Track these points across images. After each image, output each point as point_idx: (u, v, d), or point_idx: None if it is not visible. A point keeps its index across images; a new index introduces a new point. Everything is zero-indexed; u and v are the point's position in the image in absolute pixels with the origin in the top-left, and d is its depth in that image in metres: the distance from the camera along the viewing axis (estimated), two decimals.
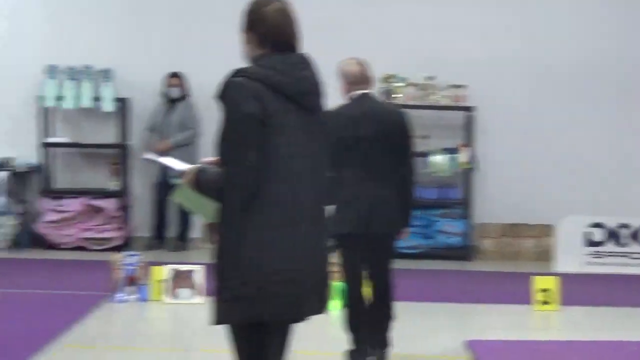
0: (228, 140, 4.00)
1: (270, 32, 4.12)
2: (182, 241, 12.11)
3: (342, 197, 6.55)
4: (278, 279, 3.96)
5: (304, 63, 4.17)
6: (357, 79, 6.51)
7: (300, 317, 4.17)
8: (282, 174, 4.05)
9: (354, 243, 6.53)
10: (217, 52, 11.84)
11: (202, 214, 4.22)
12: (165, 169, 11.54)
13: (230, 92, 4.00)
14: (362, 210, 6.49)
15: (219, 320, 4.08)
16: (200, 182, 4.06)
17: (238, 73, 4.05)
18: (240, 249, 3.97)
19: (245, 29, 4.23)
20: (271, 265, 3.95)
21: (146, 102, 12.34)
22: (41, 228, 12.07)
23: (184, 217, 12.13)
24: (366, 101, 6.62)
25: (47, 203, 12.11)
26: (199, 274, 9.11)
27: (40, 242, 12.11)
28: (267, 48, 4.12)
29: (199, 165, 4.20)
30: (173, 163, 4.49)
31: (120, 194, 12.25)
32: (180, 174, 4.16)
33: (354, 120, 6.46)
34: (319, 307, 4.21)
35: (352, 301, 6.70)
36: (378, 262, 6.76)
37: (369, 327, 6.68)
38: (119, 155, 12.36)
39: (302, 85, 4.13)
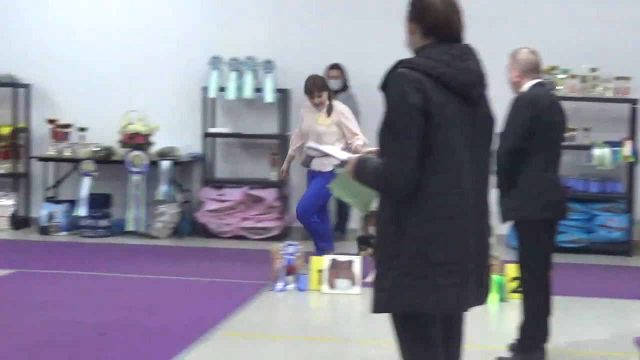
0: (389, 131, 3.97)
1: (435, 23, 4.05)
2: (340, 232, 12.05)
3: (536, 181, 6.53)
4: (440, 270, 3.92)
5: (469, 54, 4.10)
6: (533, 67, 6.43)
7: (461, 309, 4.13)
8: (444, 166, 3.98)
9: (551, 229, 6.50)
10: (376, 43, 11.85)
11: (358, 204, 4.29)
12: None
13: (393, 83, 3.96)
14: (561, 195, 6.49)
15: (379, 309, 4.06)
16: (360, 171, 4.05)
17: (401, 64, 4.00)
18: (402, 240, 3.93)
19: (409, 18, 4.15)
20: (433, 257, 3.91)
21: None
22: (202, 217, 12.22)
23: (343, 208, 12.18)
24: (545, 89, 6.60)
25: (208, 192, 12.26)
26: (357, 264, 9.08)
27: (201, 231, 12.31)
28: (432, 39, 4.05)
29: (360, 154, 4.18)
30: (336, 152, 4.48)
31: (279, 185, 12.28)
32: (342, 163, 4.19)
33: (549, 106, 6.40)
34: (480, 298, 4.15)
35: (542, 290, 6.52)
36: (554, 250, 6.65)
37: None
38: (278, 146, 12.44)
39: (466, 77, 4.05)
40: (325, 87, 10.29)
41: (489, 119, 4.24)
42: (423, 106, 3.88)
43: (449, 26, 4.09)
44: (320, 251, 9.78)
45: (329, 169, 9.63)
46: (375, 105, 11.02)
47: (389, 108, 3.97)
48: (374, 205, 4.18)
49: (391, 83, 3.97)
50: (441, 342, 4.18)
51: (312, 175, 10.28)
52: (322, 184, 9.23)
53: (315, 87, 9.93)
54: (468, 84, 4.06)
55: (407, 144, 3.88)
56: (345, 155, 4.27)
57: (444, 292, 3.96)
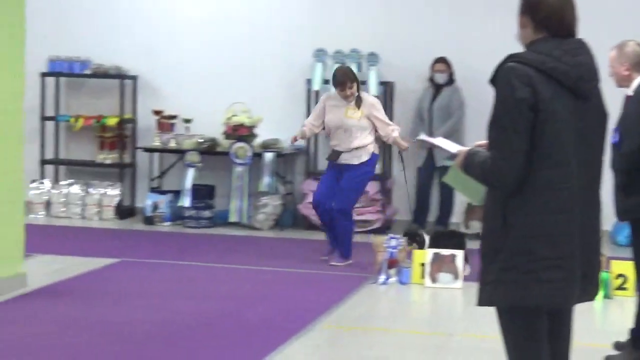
0: (497, 125, 3.94)
1: (548, 17, 4.00)
2: (442, 225, 12.00)
3: None
4: (544, 265, 3.90)
5: (581, 49, 4.02)
6: None
7: (565, 304, 4.11)
8: (552, 161, 3.95)
9: None
10: (481, 37, 11.88)
11: (471, 196, 4.27)
12: (432, 154, 11.86)
13: (502, 77, 3.94)
14: None
15: (483, 303, 4.07)
16: (469, 164, 4.05)
17: (511, 58, 3.98)
18: (507, 233, 3.92)
19: (521, 12, 4.10)
20: (539, 251, 3.89)
21: (409, 86, 12.32)
22: (303, 209, 12.27)
23: (445, 202, 12.14)
24: None
25: (310, 184, 12.19)
26: (460, 258, 9.06)
27: (302, 223, 12.38)
28: (543, 33, 4.01)
29: (470, 148, 4.15)
30: (446, 145, 4.45)
31: (382, 177, 12.29)
32: (453, 156, 4.19)
33: None
34: (588, 295, 4.09)
35: None
36: None
37: None
38: (382, 139, 12.34)
39: (577, 72, 3.97)
40: (356, 78, 10.02)
41: (601, 115, 4.18)
42: (532, 101, 3.88)
43: (562, 21, 4.05)
44: (342, 257, 9.85)
45: (361, 161, 9.70)
46: (480, 99, 11.03)
47: (498, 102, 3.96)
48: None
49: (500, 77, 3.95)
50: (547, 338, 4.14)
51: (336, 167, 10.01)
52: (356, 177, 9.67)
53: (348, 78, 9.63)
54: (579, 79, 3.99)
55: (514, 138, 3.86)
56: (455, 148, 4.28)
57: (548, 286, 3.94)
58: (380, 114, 9.96)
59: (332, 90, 10.04)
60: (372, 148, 10.01)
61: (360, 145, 9.78)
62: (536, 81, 3.91)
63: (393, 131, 9.74)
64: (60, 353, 6.61)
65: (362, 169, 9.86)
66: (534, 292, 3.91)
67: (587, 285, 4.04)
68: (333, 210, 9.71)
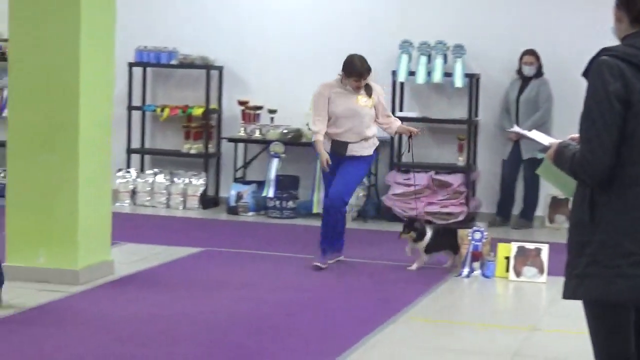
0: (587, 118, 3.85)
1: (636, 13, 3.89)
2: (526, 219, 12.06)
3: None
4: (631, 261, 3.80)
5: None
6: None
7: None
8: (636, 166, 3.86)
9: None
10: (570, 29, 11.79)
11: (563, 189, 4.23)
12: (519, 147, 11.83)
13: (594, 70, 3.84)
14: None
15: (567, 296, 3.99)
16: (560, 157, 4.00)
17: (605, 51, 3.88)
18: (594, 228, 3.84)
19: (617, 5, 4.01)
20: (625, 247, 3.80)
21: (495, 78, 12.30)
22: (387, 200, 12.37)
23: (530, 195, 12.11)
24: None
25: (394, 176, 12.38)
26: (545, 252, 9.05)
27: (386, 214, 12.42)
28: (639, 27, 3.91)
29: (562, 141, 4.09)
30: (539, 137, 4.40)
31: (466, 170, 12.36)
32: (545, 149, 4.16)
33: None
34: None
35: None
36: None
37: None
38: (466, 131, 12.42)
39: None
40: (370, 68, 9.52)
41: None
42: (623, 95, 3.80)
43: None
44: (337, 252, 9.59)
45: (370, 152, 9.42)
46: (569, 93, 11.00)
47: (589, 95, 3.87)
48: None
49: (593, 70, 3.87)
50: (634, 334, 4.04)
51: (341, 159, 9.33)
52: (360, 167, 9.30)
53: (365, 69, 9.14)
54: None
55: (604, 132, 3.79)
56: (547, 141, 4.24)
57: (634, 282, 3.85)
58: (384, 102, 9.69)
59: (333, 78, 9.45)
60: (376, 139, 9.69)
61: (371, 135, 9.44)
62: (629, 75, 3.83)
63: (395, 120, 9.60)
64: (148, 341, 6.76)
65: (369, 159, 9.68)
66: (619, 287, 3.84)
67: None
68: (330, 200, 9.37)
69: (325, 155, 8.73)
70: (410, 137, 9.36)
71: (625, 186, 3.86)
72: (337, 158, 9.16)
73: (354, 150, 9.18)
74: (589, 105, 3.85)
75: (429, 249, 8.21)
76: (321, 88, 9.05)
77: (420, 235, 8.07)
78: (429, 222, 8.76)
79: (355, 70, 8.95)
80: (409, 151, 9.22)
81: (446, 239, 8.48)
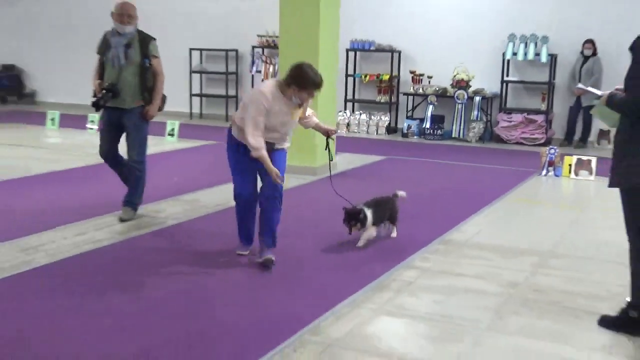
0: (633, 76, 3.76)
1: None
2: (583, 142, 11.91)
3: None
4: None
5: None
6: None
7: None
8: None
9: None
10: (623, 22, 11.38)
11: (609, 123, 4.05)
12: (580, 99, 11.61)
13: (637, 46, 3.75)
14: None
15: (612, 184, 3.94)
16: (611, 101, 3.87)
17: None
18: (631, 144, 3.82)
19: None
20: None
21: (567, 57, 12.00)
22: (497, 130, 12.32)
23: (585, 128, 11.92)
24: None
25: (502, 116, 12.34)
26: (594, 162, 9.04)
27: (496, 139, 12.33)
28: None
29: (611, 91, 3.95)
30: (595, 91, 4.31)
31: (546, 112, 12.15)
32: (598, 97, 4.04)
33: None
34: None
35: None
36: None
37: None
38: (547, 89, 12.22)
39: None
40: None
41: None
42: None
43: None
44: (271, 248, 5.18)
45: (288, 145, 5.23)
46: (612, 66, 10.85)
47: (635, 61, 3.75)
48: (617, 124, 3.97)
49: (637, 45, 3.76)
50: None
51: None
52: (284, 158, 5.25)
53: (321, 79, 4.99)
54: None
55: None
56: (601, 92, 4.08)
57: None
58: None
59: (270, 85, 5.00)
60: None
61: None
62: None
63: (314, 115, 5.44)
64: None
65: (279, 155, 5.40)
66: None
67: None
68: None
69: (275, 170, 4.83)
70: (328, 136, 5.42)
71: None
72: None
73: (280, 144, 5.18)
74: (634, 69, 3.76)
75: (375, 225, 5.66)
76: (264, 99, 4.83)
77: (364, 222, 5.47)
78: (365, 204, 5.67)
79: (313, 83, 4.90)
80: (326, 149, 5.52)
81: (385, 211, 5.81)
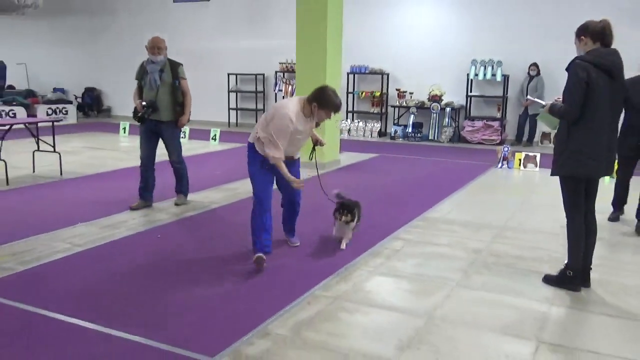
0: (569, 91, 3.67)
1: (595, 37, 3.68)
2: (529, 142, 11.71)
3: None
4: (587, 157, 3.68)
5: (614, 54, 3.68)
6: None
7: (596, 176, 3.84)
8: (594, 109, 3.64)
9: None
10: (560, 49, 11.12)
11: (551, 126, 3.90)
12: (527, 108, 11.42)
13: (572, 67, 3.66)
14: None
15: (553, 173, 3.88)
16: (552, 109, 3.78)
17: (577, 58, 3.68)
18: (569, 142, 3.73)
19: (580, 34, 3.74)
20: (584, 150, 3.69)
21: (517, 76, 11.85)
22: (463, 133, 12.11)
23: (532, 131, 11.72)
24: None
25: (467, 122, 12.12)
26: (538, 157, 8.96)
27: (463, 140, 12.11)
28: (596, 44, 3.69)
29: (552, 102, 3.87)
30: (540, 101, 4.23)
31: (501, 119, 11.98)
32: (543, 106, 3.90)
33: None
34: (607, 173, 3.81)
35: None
36: None
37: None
38: (502, 101, 12.04)
39: (611, 65, 3.64)
40: None
41: (623, 89, 3.78)
42: (586, 79, 3.61)
43: (603, 39, 3.71)
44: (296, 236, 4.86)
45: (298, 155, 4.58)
46: (551, 83, 10.63)
47: (569, 80, 3.68)
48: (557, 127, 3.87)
49: (571, 67, 3.68)
50: (584, 196, 3.89)
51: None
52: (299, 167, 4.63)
53: (340, 102, 4.39)
54: (612, 68, 3.65)
55: (576, 97, 3.63)
56: (545, 102, 3.96)
57: (587, 167, 3.73)
58: None
59: (293, 104, 4.25)
60: None
61: None
62: (590, 70, 3.62)
63: (322, 139, 4.71)
64: (355, 192, 6.28)
65: (295, 163, 4.72)
66: (580, 169, 3.76)
67: (607, 168, 3.81)
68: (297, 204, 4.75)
69: (295, 179, 4.30)
70: (316, 144, 4.67)
71: (584, 122, 3.70)
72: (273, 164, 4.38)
73: (295, 156, 4.55)
74: (569, 85, 3.68)
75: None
76: (289, 122, 4.16)
77: (354, 217, 4.70)
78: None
79: (335, 105, 4.32)
80: (310, 159, 4.74)
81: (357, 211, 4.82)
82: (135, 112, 5.74)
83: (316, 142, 4.67)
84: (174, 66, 5.77)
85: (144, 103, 5.69)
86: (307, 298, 3.74)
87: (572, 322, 3.49)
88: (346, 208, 4.78)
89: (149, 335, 3.19)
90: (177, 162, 6.03)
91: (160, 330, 3.24)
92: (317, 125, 4.36)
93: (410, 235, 5.24)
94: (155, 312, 3.47)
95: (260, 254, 4.25)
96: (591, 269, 4.04)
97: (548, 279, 4.12)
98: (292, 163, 4.46)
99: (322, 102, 4.22)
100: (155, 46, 5.69)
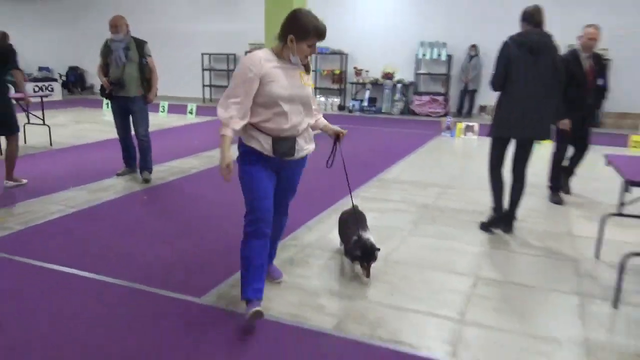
0: (494, 65, 3.75)
1: (528, 20, 3.67)
2: (469, 114, 11.84)
3: None
4: (510, 120, 3.70)
5: (539, 34, 3.65)
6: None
7: (523, 138, 3.77)
8: (513, 80, 3.67)
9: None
10: (497, 31, 11.08)
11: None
12: (467, 84, 11.59)
13: (502, 45, 3.69)
14: None
15: (487, 134, 3.91)
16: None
17: (509, 38, 3.73)
18: (498, 110, 3.79)
19: (522, 20, 3.67)
20: (508, 116, 3.71)
21: (459, 57, 11.91)
22: (412, 107, 12.19)
23: (470, 103, 11.83)
24: None
25: (416, 97, 12.18)
26: (476, 126, 9.09)
27: (412, 112, 12.20)
28: (530, 26, 3.68)
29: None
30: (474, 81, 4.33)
31: (445, 94, 12.09)
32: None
33: None
34: (526, 134, 3.73)
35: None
36: None
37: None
38: (446, 78, 12.13)
39: (532, 43, 3.62)
40: None
41: (550, 65, 3.66)
42: (509, 56, 3.66)
43: (532, 21, 3.69)
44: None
45: (313, 146, 2.77)
46: (488, 61, 10.53)
47: (498, 56, 3.69)
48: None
49: (501, 45, 3.70)
50: (515, 159, 3.86)
51: (282, 162, 2.62)
52: (301, 173, 2.85)
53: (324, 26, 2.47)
54: (532, 46, 3.63)
55: (501, 69, 3.67)
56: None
57: (504, 129, 3.77)
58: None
59: (261, 50, 2.46)
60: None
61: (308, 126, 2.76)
62: (514, 47, 3.66)
63: (320, 113, 2.95)
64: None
65: (305, 163, 2.83)
66: (499, 131, 3.81)
67: (528, 132, 3.74)
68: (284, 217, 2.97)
69: (228, 159, 2.38)
70: (337, 139, 2.94)
71: (507, 90, 3.73)
72: (278, 161, 2.63)
73: (304, 147, 2.69)
74: (496, 60, 3.72)
75: None
76: (247, 62, 2.40)
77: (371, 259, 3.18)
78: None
79: (315, 28, 2.43)
80: (332, 158, 2.92)
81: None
82: (103, 89, 5.42)
83: (337, 135, 2.90)
84: (140, 44, 5.43)
85: (113, 80, 5.36)
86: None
87: (503, 261, 3.61)
88: (370, 255, 3.12)
89: (141, 281, 3.18)
90: (144, 136, 5.61)
91: (152, 277, 3.24)
92: (307, 69, 2.58)
93: (367, 194, 5.26)
94: (146, 263, 3.46)
95: (259, 308, 2.54)
96: (516, 218, 4.09)
97: (483, 226, 4.21)
98: (296, 163, 2.65)
99: (299, 30, 2.44)
100: (114, 24, 5.30)
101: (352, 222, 3.27)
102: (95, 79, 16.45)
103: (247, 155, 2.56)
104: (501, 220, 4.05)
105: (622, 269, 2.99)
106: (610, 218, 4.35)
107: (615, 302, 2.97)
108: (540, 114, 3.72)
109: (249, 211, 2.57)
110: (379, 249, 3.15)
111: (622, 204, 3.62)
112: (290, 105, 2.47)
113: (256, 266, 2.57)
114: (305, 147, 2.64)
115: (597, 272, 3.46)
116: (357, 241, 3.11)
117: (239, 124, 2.41)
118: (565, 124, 4.66)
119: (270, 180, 2.57)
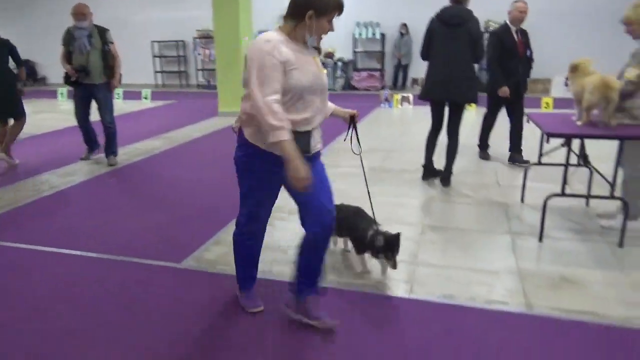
0: (423, 39, 3.84)
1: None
2: (403, 86, 11.87)
3: None
4: (430, 82, 3.77)
5: (456, 9, 3.73)
6: None
7: (445, 100, 3.80)
8: (433, 50, 3.77)
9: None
10: (426, 11, 11.25)
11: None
12: (400, 60, 11.57)
13: (429, 22, 3.72)
14: None
15: (419, 98, 3.96)
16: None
17: (435, 15, 3.76)
18: (426, 76, 3.84)
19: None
20: (427, 79, 3.81)
21: (391, 35, 11.81)
22: (352, 82, 12.06)
23: (404, 77, 11.89)
24: None
25: (355, 74, 12.04)
26: (411, 97, 9.18)
27: (352, 87, 12.03)
28: (450, 3, 3.79)
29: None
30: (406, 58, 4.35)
31: (381, 70, 12.08)
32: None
33: None
34: (448, 97, 3.77)
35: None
36: None
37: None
38: (381, 55, 12.06)
39: (448, 17, 3.72)
40: None
41: (467, 36, 3.69)
42: (431, 29, 3.78)
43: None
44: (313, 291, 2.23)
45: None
46: (417, 39, 10.62)
47: (427, 30, 3.73)
48: None
49: (429, 22, 3.69)
50: (448, 120, 3.86)
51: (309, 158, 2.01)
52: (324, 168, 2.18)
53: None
54: (449, 19, 3.71)
55: (425, 43, 3.67)
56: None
57: (428, 91, 3.80)
58: None
59: (269, 33, 1.83)
60: None
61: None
62: (436, 21, 3.78)
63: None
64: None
65: (319, 157, 2.17)
66: (426, 94, 3.86)
67: (449, 95, 3.73)
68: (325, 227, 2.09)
69: (305, 167, 1.76)
70: (352, 120, 2.32)
71: (429, 60, 3.86)
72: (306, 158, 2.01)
73: (319, 141, 2.11)
74: (425, 32, 3.81)
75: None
76: (266, 47, 1.74)
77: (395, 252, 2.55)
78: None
79: (338, 2, 1.87)
80: (349, 135, 2.43)
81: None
82: (67, 77, 5.12)
83: (351, 117, 2.36)
84: (102, 32, 5.18)
85: (77, 67, 5.09)
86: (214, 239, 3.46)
87: (444, 210, 3.78)
88: (393, 249, 2.55)
89: (123, 253, 3.16)
90: (110, 123, 5.37)
91: (132, 248, 3.23)
92: (319, 51, 2.06)
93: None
94: (124, 237, 3.42)
95: (260, 306, 2.32)
96: (452, 173, 4.23)
97: (422, 178, 4.41)
98: (314, 159, 2.09)
99: (319, 2, 1.91)
100: (80, 12, 5.04)
101: (359, 217, 2.69)
102: (46, 70, 15.57)
103: (254, 157, 1.94)
104: (430, 173, 4.26)
105: (544, 209, 3.16)
106: (532, 168, 4.61)
107: (540, 236, 3.17)
108: (459, 79, 3.73)
109: (246, 221, 2.11)
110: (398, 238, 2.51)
111: (541, 155, 3.79)
112: (312, 96, 1.87)
113: (250, 262, 2.26)
114: (319, 140, 2.02)
115: (524, 213, 3.64)
116: (376, 234, 2.52)
117: (288, 122, 1.77)
118: (504, 91, 4.61)
119: (278, 184, 2.01)
